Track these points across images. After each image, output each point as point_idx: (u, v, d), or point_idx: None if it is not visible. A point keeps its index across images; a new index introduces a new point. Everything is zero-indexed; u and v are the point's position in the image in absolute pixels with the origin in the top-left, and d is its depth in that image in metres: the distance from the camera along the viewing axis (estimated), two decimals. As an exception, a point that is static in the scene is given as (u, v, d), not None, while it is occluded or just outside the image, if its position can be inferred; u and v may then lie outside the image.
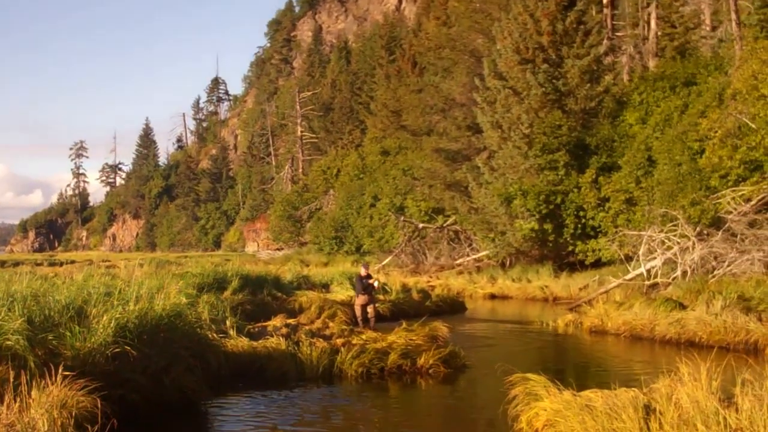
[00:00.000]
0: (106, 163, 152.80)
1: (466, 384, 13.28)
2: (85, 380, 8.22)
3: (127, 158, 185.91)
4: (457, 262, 40.91)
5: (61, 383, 7.93)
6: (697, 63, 32.99)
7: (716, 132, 23.64)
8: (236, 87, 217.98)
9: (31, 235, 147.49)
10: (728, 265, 21.27)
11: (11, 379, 7.35)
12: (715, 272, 21.28)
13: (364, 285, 18.88)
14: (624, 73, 42.77)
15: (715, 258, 21.96)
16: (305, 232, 70.08)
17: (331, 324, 17.63)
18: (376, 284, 19.36)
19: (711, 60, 32.94)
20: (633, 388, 8.26)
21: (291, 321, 18.04)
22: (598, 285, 25.50)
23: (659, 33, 41.05)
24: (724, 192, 23.40)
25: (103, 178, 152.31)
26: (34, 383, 7.83)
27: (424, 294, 26.37)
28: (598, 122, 34.47)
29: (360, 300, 18.83)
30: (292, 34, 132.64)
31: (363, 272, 19.33)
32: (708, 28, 40.78)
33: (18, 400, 7.12)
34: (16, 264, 38.28)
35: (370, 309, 18.83)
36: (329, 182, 70.71)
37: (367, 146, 69.64)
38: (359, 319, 18.60)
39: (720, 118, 23.78)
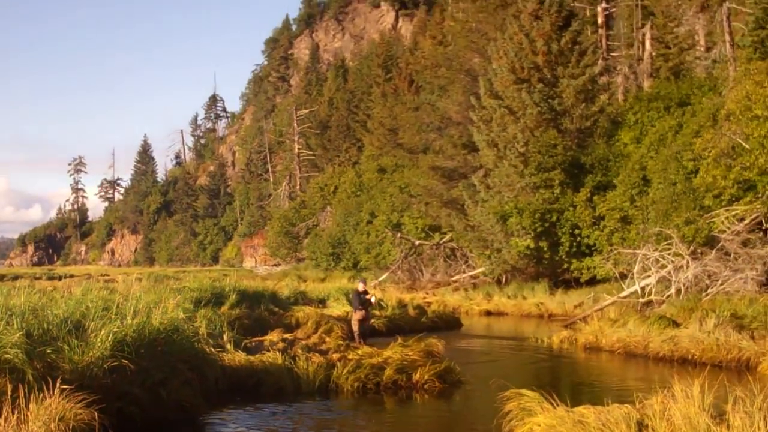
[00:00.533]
0: (105, 179, 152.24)
1: (461, 399, 13.30)
2: (83, 393, 8.24)
3: (125, 174, 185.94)
4: (453, 278, 40.95)
5: (60, 396, 7.92)
6: (692, 84, 33.31)
7: (710, 152, 23.78)
8: (234, 104, 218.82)
9: (30, 249, 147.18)
10: (721, 284, 21.46)
11: (9, 392, 7.37)
12: (709, 290, 21.47)
13: (361, 300, 18.85)
14: (619, 93, 43.12)
15: (709, 276, 22.15)
16: (302, 248, 70.06)
17: (327, 339, 17.63)
18: (372, 300, 19.42)
19: (705, 81, 33.27)
20: (626, 405, 8.30)
21: (288, 336, 18.02)
22: (593, 302, 25.58)
23: (654, 54, 41.35)
24: (717, 211, 23.54)
25: (102, 193, 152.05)
26: (32, 396, 7.81)
27: (420, 310, 26.39)
28: (593, 141, 34.77)
29: (357, 315, 18.71)
30: (289, 53, 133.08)
31: (361, 287, 19.24)
32: (702, 49, 41.02)
33: (16, 412, 7.12)
34: (15, 278, 38.31)
35: (365, 327, 18.83)
36: (326, 199, 70.84)
37: (364, 164, 69.81)
38: (356, 334, 18.50)
39: (714, 138, 23.89)
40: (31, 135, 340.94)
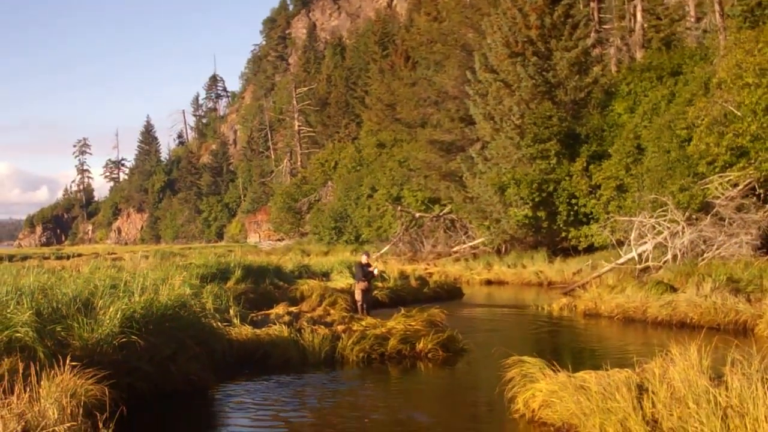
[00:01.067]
0: (110, 160, 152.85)
1: (464, 367, 13.36)
2: (93, 369, 8.27)
3: (129, 154, 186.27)
4: (454, 249, 41.26)
5: (70, 373, 7.92)
6: (683, 54, 33.41)
7: (703, 120, 24.03)
8: (234, 84, 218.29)
9: (38, 230, 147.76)
10: (717, 249, 21.79)
11: (21, 370, 7.27)
12: (705, 255, 21.79)
13: (364, 272, 19.08)
14: (612, 64, 43.24)
15: (704, 242, 22.45)
16: (305, 222, 70.41)
17: (332, 311, 17.72)
18: (375, 272, 19.81)
19: (696, 50, 33.37)
20: (626, 369, 8.36)
21: (293, 309, 18.15)
22: (591, 269, 25.97)
23: (645, 25, 41.30)
24: (711, 178, 23.87)
25: (107, 173, 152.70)
26: (43, 374, 7.78)
27: (421, 281, 26.58)
28: (587, 112, 35.03)
29: (360, 286, 18.93)
30: (287, 32, 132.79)
31: (364, 260, 19.41)
32: (693, 20, 40.98)
33: (28, 390, 7.04)
34: (24, 258, 38.69)
35: (367, 297, 19.08)
36: (327, 174, 71.17)
37: (363, 139, 69.93)
38: (359, 305, 18.74)
39: (706, 107, 24.12)
40: (37, 118, 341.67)
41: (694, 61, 31.34)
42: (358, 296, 19.01)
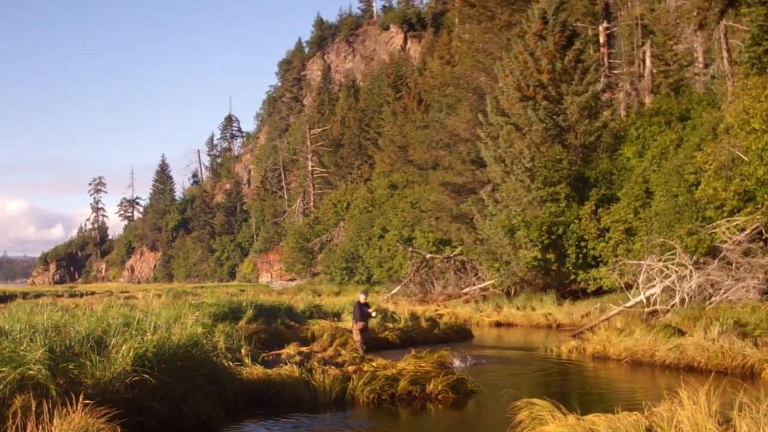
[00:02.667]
0: (124, 198, 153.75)
1: (474, 409, 13.36)
2: (105, 408, 8.36)
3: (144, 193, 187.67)
4: (464, 291, 41.13)
5: (82, 411, 8.01)
6: (691, 99, 33.63)
7: (711, 164, 24.05)
8: (249, 124, 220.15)
9: (52, 267, 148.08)
10: (724, 293, 21.65)
11: (34, 408, 7.32)
12: (712, 299, 21.67)
13: (362, 312, 19.23)
14: (621, 109, 43.44)
15: (712, 286, 22.34)
16: (317, 262, 70.51)
17: (343, 351, 17.72)
18: (373, 315, 19.92)
19: (704, 96, 33.58)
20: (635, 412, 8.36)
21: (304, 349, 18.25)
22: (600, 312, 25.75)
23: (654, 70, 41.57)
24: (719, 222, 23.84)
25: (122, 212, 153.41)
26: (56, 411, 7.89)
27: (432, 322, 26.55)
28: (597, 156, 35.19)
29: (358, 326, 19.09)
30: (302, 74, 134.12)
31: (362, 299, 19.54)
32: (701, 66, 41.26)
33: (40, 428, 7.15)
34: (38, 295, 38.91)
35: (364, 337, 19.15)
36: (340, 215, 71.46)
37: (375, 180, 70.36)
38: (358, 344, 18.81)
39: (714, 152, 24.16)
40: (54, 156, 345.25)
41: (702, 106, 31.53)
42: (356, 336, 19.10)
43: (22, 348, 9.52)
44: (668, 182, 26.93)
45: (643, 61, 42.39)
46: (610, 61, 46.43)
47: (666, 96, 37.43)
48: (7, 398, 8.41)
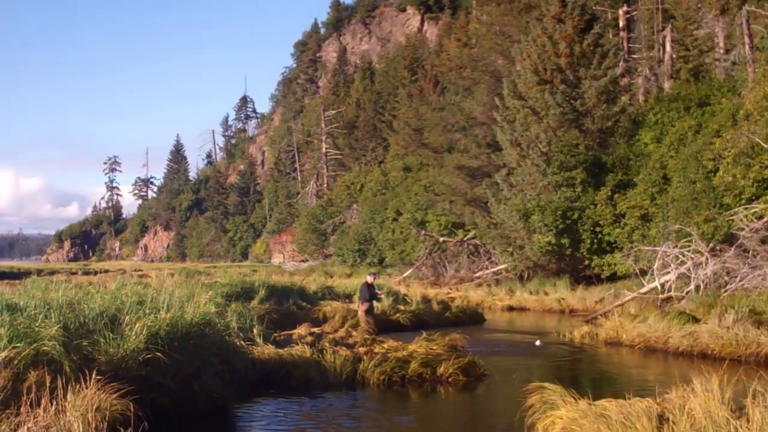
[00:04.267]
0: (139, 177, 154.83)
1: (485, 392, 13.33)
2: (118, 384, 8.35)
3: (158, 173, 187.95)
4: (477, 274, 41.16)
5: (96, 387, 8.02)
6: (711, 85, 33.35)
7: (730, 151, 23.92)
8: (263, 105, 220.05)
9: (66, 245, 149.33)
10: (740, 280, 21.54)
11: (48, 384, 7.38)
12: (728, 287, 21.56)
13: (370, 293, 19.55)
14: (640, 94, 43.13)
15: (728, 273, 22.25)
16: (329, 244, 70.51)
17: (354, 333, 17.70)
18: (380, 295, 20.06)
19: (724, 82, 33.30)
20: (647, 398, 8.32)
21: (315, 330, 18.28)
22: (614, 298, 25.67)
23: (674, 55, 41.26)
24: (736, 209, 23.67)
25: (136, 191, 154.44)
26: (69, 387, 7.87)
27: (444, 305, 26.56)
28: (614, 141, 35.03)
29: (364, 306, 19.42)
30: (317, 55, 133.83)
31: (369, 280, 19.89)
32: (722, 51, 40.86)
33: (54, 403, 7.11)
34: (52, 273, 39.10)
35: (369, 318, 19.43)
36: (353, 197, 71.40)
37: (389, 163, 70.20)
38: (364, 322, 19.05)
39: (733, 138, 24.01)
40: (70, 135, 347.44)
41: (722, 92, 31.26)
42: (361, 316, 19.34)
43: (36, 324, 9.54)
44: (686, 168, 26.74)
45: (663, 45, 42.01)
46: (630, 45, 46.14)
47: (685, 81, 37.08)
48: (22, 373, 8.43)
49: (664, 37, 41.49)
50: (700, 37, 42.48)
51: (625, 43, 44.42)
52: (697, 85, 34.09)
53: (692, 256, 23.14)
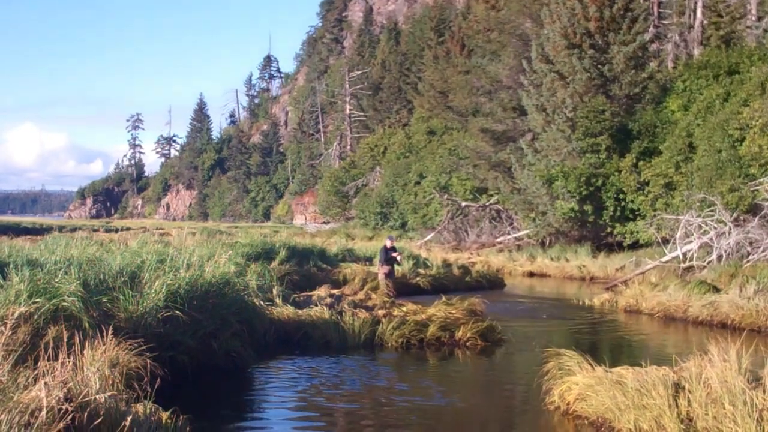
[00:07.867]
0: (161, 136, 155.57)
1: (502, 357, 13.35)
2: (136, 341, 8.36)
3: (181, 131, 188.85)
4: (498, 240, 41.24)
5: (114, 343, 8.03)
6: (742, 52, 32.82)
7: (757, 121, 23.71)
8: (288, 65, 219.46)
9: (89, 202, 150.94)
10: (763, 251, 21.44)
11: (65, 339, 7.17)
12: (750, 257, 21.47)
13: (387, 256, 19.69)
14: (668, 60, 42.61)
15: (751, 244, 22.14)
16: (351, 207, 70.68)
17: (373, 296, 17.79)
18: (399, 258, 20.21)
19: (755, 50, 32.76)
20: (664, 367, 8.35)
21: (335, 291, 18.31)
22: (635, 266, 25.74)
23: (705, 22, 40.67)
24: (762, 179, 23.48)
25: (158, 149, 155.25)
26: (87, 343, 7.87)
27: (464, 270, 26.67)
28: (641, 108, 34.67)
29: (384, 270, 19.62)
30: (343, 15, 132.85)
31: (388, 244, 19.98)
32: (754, 19, 40.14)
33: (72, 358, 7.00)
34: (74, 229, 39.35)
35: (389, 281, 19.59)
36: (376, 159, 71.31)
37: (414, 125, 69.95)
38: (384, 284, 19.22)
39: (761, 108, 23.79)
40: (95, 92, 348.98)
41: (752, 60, 30.76)
42: (381, 279, 19.53)
43: (56, 280, 9.55)
44: (712, 137, 26.51)
45: (694, 11, 41.28)
46: (660, 10, 45.46)
47: (716, 48, 36.47)
48: (41, 329, 8.49)
49: (696, 2, 40.77)
50: (733, 3, 41.73)
51: (655, 9, 43.82)
52: (727, 53, 33.57)
53: (715, 225, 23.07)
